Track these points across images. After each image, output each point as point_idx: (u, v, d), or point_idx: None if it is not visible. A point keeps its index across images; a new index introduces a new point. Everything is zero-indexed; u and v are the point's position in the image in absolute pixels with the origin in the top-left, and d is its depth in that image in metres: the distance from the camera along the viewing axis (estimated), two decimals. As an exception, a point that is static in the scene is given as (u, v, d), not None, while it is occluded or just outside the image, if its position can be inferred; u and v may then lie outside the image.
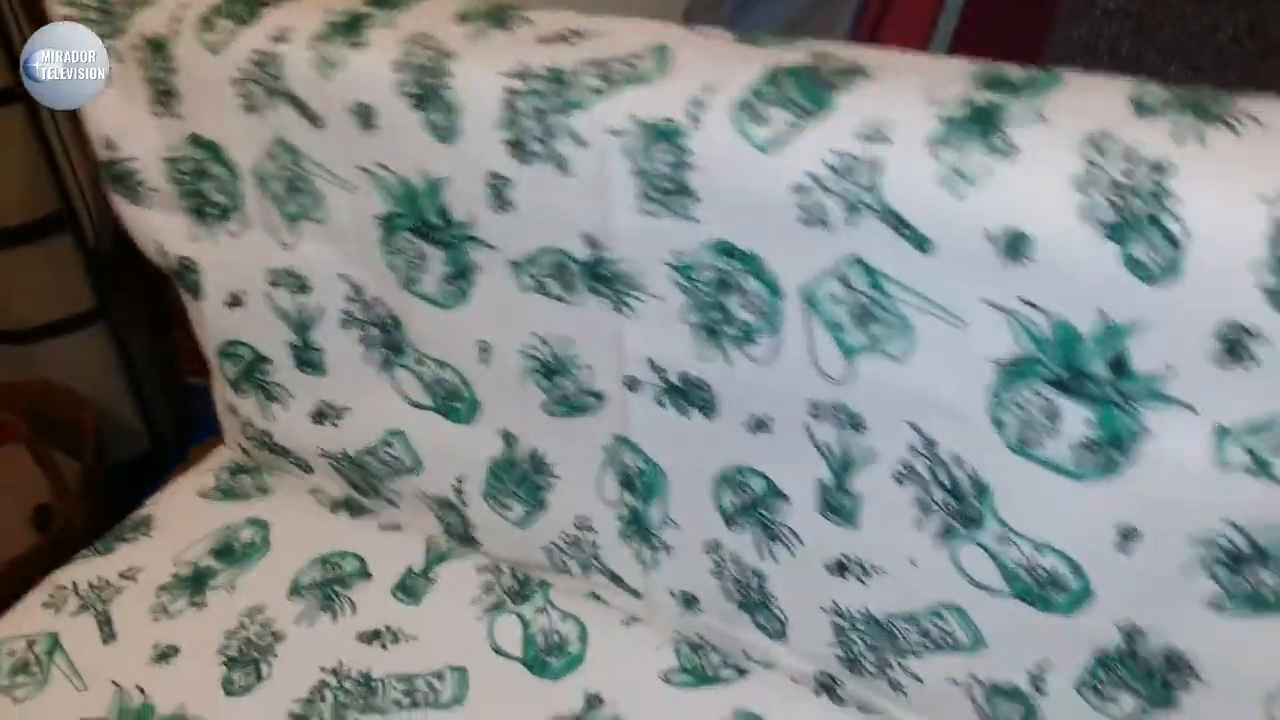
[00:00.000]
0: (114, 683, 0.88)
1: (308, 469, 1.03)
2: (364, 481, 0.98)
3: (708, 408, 0.75)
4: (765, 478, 0.76)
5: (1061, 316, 0.59)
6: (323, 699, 0.86)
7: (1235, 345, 0.55)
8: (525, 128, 0.71)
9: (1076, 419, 0.61)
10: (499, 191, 0.75)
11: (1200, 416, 0.58)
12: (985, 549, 0.68)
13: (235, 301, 0.95)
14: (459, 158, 0.75)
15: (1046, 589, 0.67)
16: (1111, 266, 0.56)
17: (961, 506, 0.68)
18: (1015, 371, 0.62)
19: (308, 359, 0.94)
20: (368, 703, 0.86)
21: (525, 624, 0.91)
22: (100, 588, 0.96)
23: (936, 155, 0.59)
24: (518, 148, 0.72)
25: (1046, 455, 0.63)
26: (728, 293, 0.69)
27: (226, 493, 1.05)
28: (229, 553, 0.98)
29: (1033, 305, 0.60)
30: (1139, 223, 0.55)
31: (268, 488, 1.06)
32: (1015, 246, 0.58)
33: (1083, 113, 0.58)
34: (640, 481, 0.82)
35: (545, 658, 0.89)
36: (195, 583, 0.96)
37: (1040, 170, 0.57)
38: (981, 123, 0.59)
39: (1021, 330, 0.61)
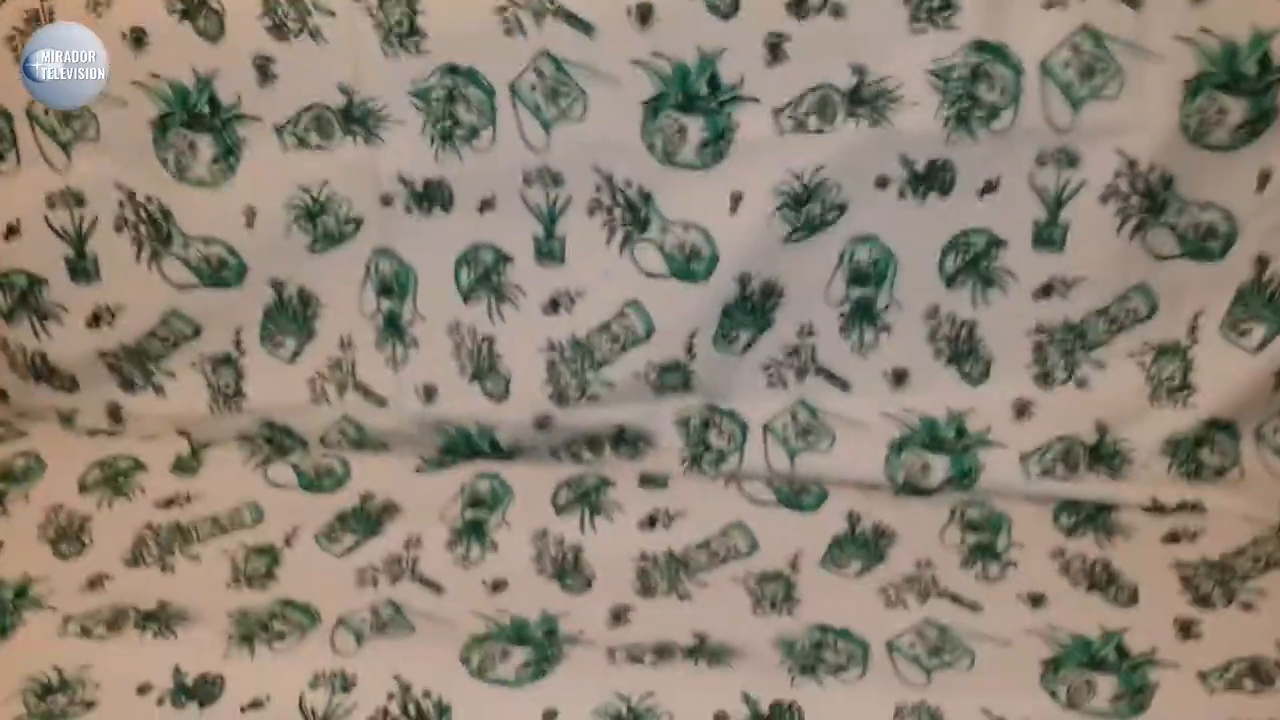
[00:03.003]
0: None
1: (73, 387, 1.16)
2: (139, 368, 1.14)
3: (447, 202, 1.05)
4: (494, 248, 1.06)
5: (678, 59, 0.97)
6: (146, 546, 1.04)
7: (776, 49, 0.95)
8: (281, 11, 0.99)
9: (695, 129, 0.99)
10: (265, 69, 1.01)
11: (763, 104, 0.98)
12: (652, 242, 1.03)
13: (11, 233, 1.10)
14: (228, 51, 1.01)
15: (691, 262, 1.03)
16: (701, 14, 0.95)
17: (634, 215, 1.03)
18: (655, 107, 0.99)
19: (82, 268, 1.10)
20: (185, 540, 1.05)
21: (295, 465, 1.13)
22: None
23: None
24: (278, 30, 1.00)
25: (682, 159, 1.00)
26: (455, 103, 1.00)
27: (-17, 442, 1.16)
28: (10, 477, 1.12)
29: (660, 55, 0.97)
30: None
31: (23, 431, 1.18)
32: (645, 16, 0.95)
33: None
34: (396, 284, 1.08)
35: (318, 480, 1.12)
36: (-9, 503, 1.08)
37: None
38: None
39: (654, 75, 0.98)
